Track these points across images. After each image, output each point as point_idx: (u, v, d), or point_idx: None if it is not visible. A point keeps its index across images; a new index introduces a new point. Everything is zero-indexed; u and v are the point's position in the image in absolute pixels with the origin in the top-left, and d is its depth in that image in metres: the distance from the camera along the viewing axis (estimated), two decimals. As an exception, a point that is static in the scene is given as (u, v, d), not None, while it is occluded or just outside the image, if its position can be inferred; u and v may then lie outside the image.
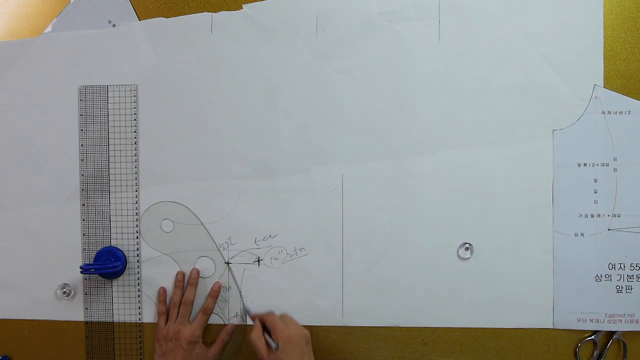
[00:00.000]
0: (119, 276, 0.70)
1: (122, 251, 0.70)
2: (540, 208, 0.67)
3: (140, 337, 0.71)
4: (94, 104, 0.70)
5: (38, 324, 0.72)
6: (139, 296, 0.70)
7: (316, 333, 0.70)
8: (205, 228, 0.70)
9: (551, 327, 0.68)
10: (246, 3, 0.70)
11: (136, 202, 0.70)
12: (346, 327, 0.69)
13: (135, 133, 0.69)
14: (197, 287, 0.69)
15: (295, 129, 0.70)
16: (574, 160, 0.67)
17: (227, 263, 0.70)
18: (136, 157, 0.70)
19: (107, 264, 0.68)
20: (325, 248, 0.69)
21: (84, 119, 0.70)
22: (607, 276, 0.67)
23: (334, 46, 0.69)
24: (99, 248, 0.70)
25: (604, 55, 0.67)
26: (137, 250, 0.70)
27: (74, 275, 0.71)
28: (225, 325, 0.69)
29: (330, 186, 0.69)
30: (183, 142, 0.70)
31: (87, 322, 0.71)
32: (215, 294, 0.69)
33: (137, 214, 0.70)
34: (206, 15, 0.70)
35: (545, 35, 0.67)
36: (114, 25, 0.71)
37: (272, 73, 0.70)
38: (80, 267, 0.67)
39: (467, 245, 0.68)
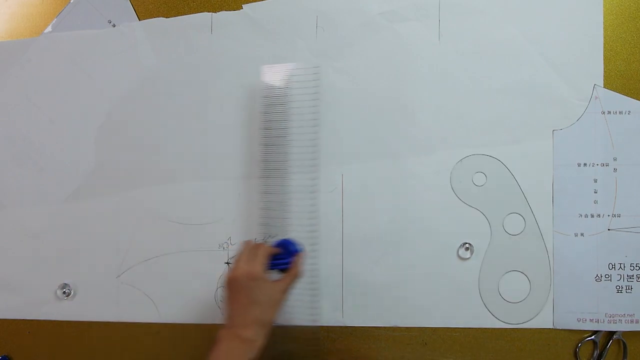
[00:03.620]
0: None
1: (295, 243, 0.65)
2: (540, 208, 0.67)
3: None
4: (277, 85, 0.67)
5: (38, 324, 0.72)
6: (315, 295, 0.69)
7: (316, 333, 0.70)
8: (518, 183, 0.67)
9: (551, 327, 0.68)
10: (246, 3, 0.70)
11: (314, 192, 0.67)
12: (346, 327, 0.69)
13: (316, 121, 0.67)
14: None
15: (295, 129, 0.69)
16: (574, 160, 0.67)
17: (227, 263, 0.70)
18: (314, 145, 0.67)
19: (285, 259, 0.63)
20: (325, 248, 0.69)
21: (267, 100, 0.67)
22: (607, 276, 0.67)
23: (334, 46, 0.69)
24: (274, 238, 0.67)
25: (604, 55, 0.67)
26: (315, 245, 0.68)
27: (74, 275, 0.71)
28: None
29: (330, 186, 0.69)
30: (183, 142, 0.70)
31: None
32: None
33: (314, 206, 0.67)
34: (206, 15, 0.70)
35: (545, 35, 0.67)
36: (114, 25, 0.71)
37: (272, 73, 0.70)
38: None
39: (467, 245, 0.68)
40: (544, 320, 0.68)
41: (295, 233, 0.67)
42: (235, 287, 0.58)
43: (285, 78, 0.66)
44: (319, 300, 0.67)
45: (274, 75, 0.67)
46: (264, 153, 0.67)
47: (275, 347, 0.68)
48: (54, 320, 0.72)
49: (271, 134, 0.68)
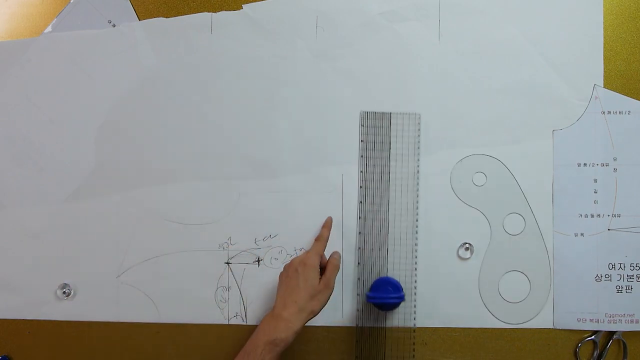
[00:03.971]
0: (396, 308, 0.68)
1: (399, 282, 0.68)
2: (540, 208, 0.67)
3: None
4: (375, 130, 0.68)
5: (38, 324, 0.72)
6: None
7: (316, 333, 0.70)
8: (518, 183, 0.67)
9: (551, 327, 0.68)
10: (246, 3, 0.70)
11: (415, 233, 0.68)
12: (346, 327, 0.69)
13: (418, 168, 0.68)
14: (330, 230, 0.67)
15: (295, 129, 0.70)
16: (574, 160, 0.67)
17: (227, 263, 0.70)
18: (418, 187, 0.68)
19: (390, 294, 0.66)
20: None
21: (364, 144, 0.68)
22: (607, 276, 0.67)
23: (334, 46, 0.69)
24: (372, 278, 0.68)
25: (604, 55, 0.67)
26: (414, 282, 0.68)
27: (74, 275, 0.71)
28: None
29: (330, 186, 0.69)
30: (183, 142, 0.70)
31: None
32: (328, 224, 0.67)
33: (415, 245, 0.68)
34: (206, 15, 0.70)
35: (545, 35, 0.67)
36: (114, 25, 0.71)
37: (272, 73, 0.70)
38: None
39: (467, 245, 0.68)
40: (544, 320, 0.68)
41: (393, 271, 0.69)
42: (287, 272, 0.62)
43: (384, 124, 0.67)
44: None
45: (373, 120, 0.67)
46: (363, 196, 0.68)
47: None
48: (54, 320, 0.72)
49: (370, 179, 0.68)
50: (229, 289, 0.70)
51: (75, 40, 0.71)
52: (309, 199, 0.69)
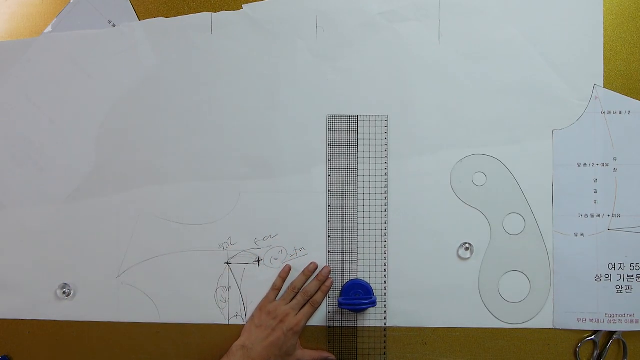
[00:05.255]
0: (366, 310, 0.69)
1: (369, 285, 0.68)
2: (540, 208, 0.67)
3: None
4: (343, 133, 0.68)
5: (38, 324, 0.72)
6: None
7: (316, 333, 0.70)
8: (518, 183, 0.67)
9: (551, 327, 0.68)
10: (246, 3, 0.70)
11: (385, 236, 0.68)
12: (346, 328, 0.69)
13: (386, 171, 0.68)
14: (321, 284, 0.68)
15: (295, 129, 0.70)
16: (574, 160, 0.67)
17: (227, 263, 0.70)
18: (386, 196, 0.68)
19: (361, 299, 0.67)
20: (325, 248, 0.69)
21: (331, 148, 0.68)
22: (607, 276, 0.67)
23: (334, 46, 0.69)
24: (343, 281, 0.69)
25: (604, 55, 0.67)
26: (385, 284, 0.69)
27: (74, 275, 0.71)
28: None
29: (330, 186, 0.69)
30: (183, 142, 0.70)
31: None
32: (326, 290, 0.68)
33: (385, 247, 0.68)
34: (206, 15, 0.70)
35: (545, 35, 0.67)
36: (114, 25, 0.71)
37: (272, 73, 0.70)
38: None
39: (467, 245, 0.68)
40: (544, 320, 0.68)
41: (364, 273, 0.69)
42: (275, 330, 0.67)
43: (352, 127, 0.67)
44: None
45: (340, 124, 0.67)
46: (331, 199, 0.68)
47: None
48: (54, 320, 0.72)
49: (339, 182, 0.68)
50: (229, 289, 0.70)
51: (75, 40, 0.71)
52: (309, 199, 0.69)
